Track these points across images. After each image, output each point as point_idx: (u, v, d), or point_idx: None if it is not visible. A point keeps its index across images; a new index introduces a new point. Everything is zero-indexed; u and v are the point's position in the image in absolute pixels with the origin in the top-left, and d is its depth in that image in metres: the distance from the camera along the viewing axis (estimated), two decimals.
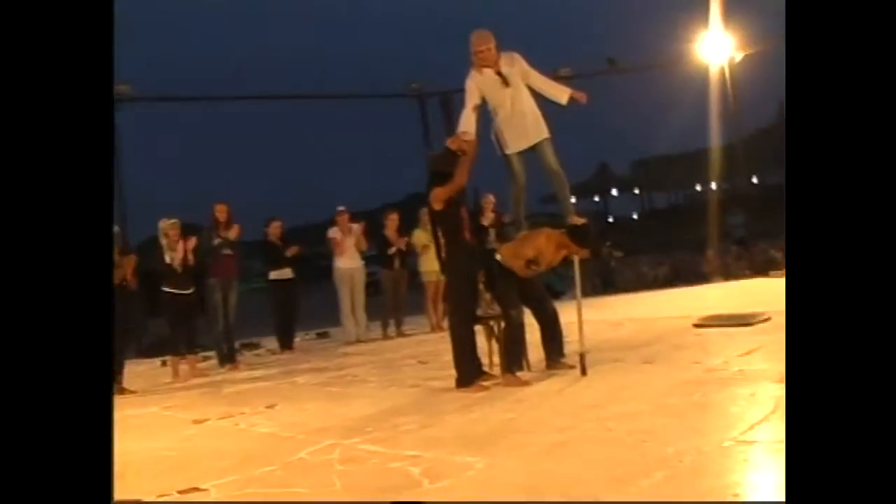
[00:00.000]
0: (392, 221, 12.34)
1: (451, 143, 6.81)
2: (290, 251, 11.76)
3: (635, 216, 55.24)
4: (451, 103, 15.98)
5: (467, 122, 6.98)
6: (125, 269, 8.76)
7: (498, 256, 6.88)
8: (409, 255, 12.50)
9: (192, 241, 9.79)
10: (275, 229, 11.76)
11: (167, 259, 9.56)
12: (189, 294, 9.75)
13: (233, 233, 10.47)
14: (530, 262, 6.65)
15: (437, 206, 6.70)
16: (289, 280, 11.83)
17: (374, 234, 12.45)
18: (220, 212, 10.46)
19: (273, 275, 11.78)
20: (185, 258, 9.63)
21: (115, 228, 8.98)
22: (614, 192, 50.61)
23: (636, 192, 52.10)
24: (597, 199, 49.77)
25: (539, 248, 6.70)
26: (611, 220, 46.15)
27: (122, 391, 8.73)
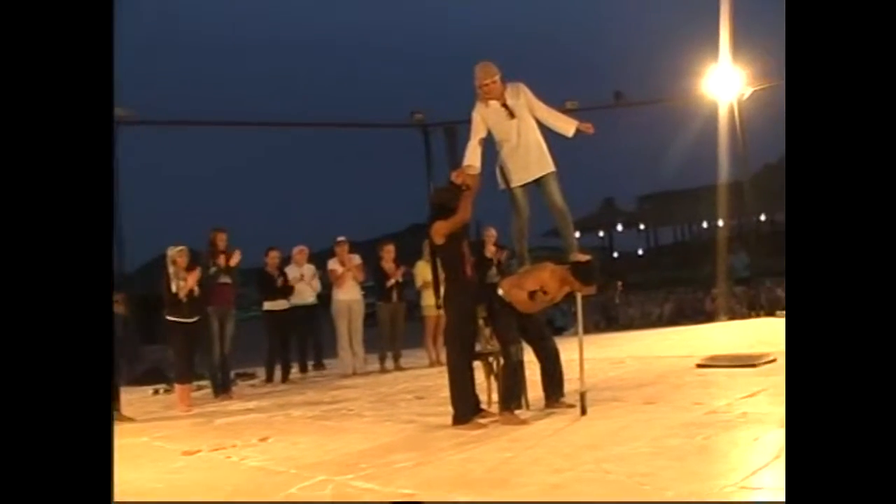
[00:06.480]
0: (388, 253, 12.21)
1: (456, 178, 6.77)
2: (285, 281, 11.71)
3: (640, 252, 55.17)
4: (455, 134, 15.88)
5: (472, 156, 6.91)
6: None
7: (500, 291, 6.74)
8: (407, 288, 12.34)
9: (197, 271, 9.65)
10: (273, 259, 11.68)
11: (173, 287, 9.37)
12: (194, 322, 9.61)
13: (233, 260, 10.39)
14: (533, 294, 6.51)
15: (438, 240, 6.64)
16: (284, 311, 11.72)
17: (372, 265, 12.31)
18: (221, 239, 10.41)
19: (267, 305, 11.68)
20: (191, 287, 9.49)
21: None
22: (619, 227, 50.50)
23: (641, 227, 51.96)
24: (601, 234, 49.66)
25: (542, 282, 6.58)
26: (615, 255, 46.02)
27: (122, 418, 8.61)
